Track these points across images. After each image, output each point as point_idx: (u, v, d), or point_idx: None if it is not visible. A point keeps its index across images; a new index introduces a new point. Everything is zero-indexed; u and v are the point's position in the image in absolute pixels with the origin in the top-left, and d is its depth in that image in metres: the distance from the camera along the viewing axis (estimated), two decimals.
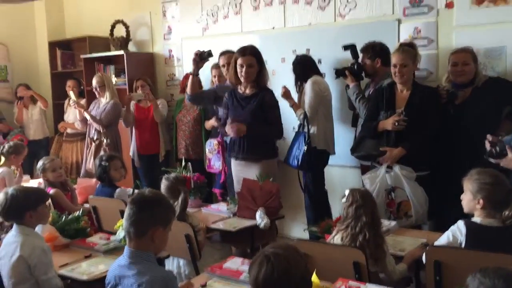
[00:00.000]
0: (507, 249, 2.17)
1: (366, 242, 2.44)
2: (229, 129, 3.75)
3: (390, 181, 3.36)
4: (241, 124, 3.71)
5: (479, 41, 3.62)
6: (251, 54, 3.73)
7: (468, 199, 2.45)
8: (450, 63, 3.47)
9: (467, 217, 2.49)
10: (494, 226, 2.36)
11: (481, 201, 2.38)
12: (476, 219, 2.42)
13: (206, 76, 4.91)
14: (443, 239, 2.48)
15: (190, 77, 4.15)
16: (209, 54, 4.09)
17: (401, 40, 3.96)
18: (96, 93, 5.16)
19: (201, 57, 4.06)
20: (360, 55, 3.95)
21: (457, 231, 2.43)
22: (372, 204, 2.55)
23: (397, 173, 3.35)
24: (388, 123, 3.41)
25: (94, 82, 5.11)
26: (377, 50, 3.86)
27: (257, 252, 1.58)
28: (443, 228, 2.61)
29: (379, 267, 2.48)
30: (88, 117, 5.03)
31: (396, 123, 3.35)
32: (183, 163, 3.93)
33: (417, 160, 3.38)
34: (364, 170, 4.00)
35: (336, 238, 2.57)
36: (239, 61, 3.74)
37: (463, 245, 2.39)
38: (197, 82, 4.21)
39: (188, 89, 4.21)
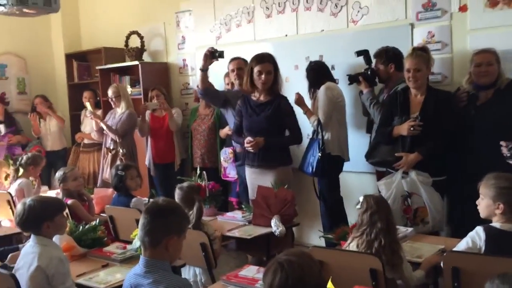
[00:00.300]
0: None
1: (382, 249, 2.42)
2: (247, 146, 3.77)
3: (406, 187, 3.33)
4: (258, 138, 3.73)
5: (494, 44, 3.56)
6: (269, 61, 3.79)
7: (486, 204, 2.41)
8: (473, 64, 3.41)
9: (485, 222, 2.45)
10: None
11: (501, 206, 2.35)
12: (496, 224, 2.38)
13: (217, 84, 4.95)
14: (462, 245, 2.45)
15: (200, 72, 4.20)
16: (221, 55, 4.18)
17: (415, 45, 3.94)
18: (112, 103, 5.22)
19: (212, 55, 4.14)
20: (374, 60, 3.94)
21: (476, 237, 2.39)
22: (386, 210, 2.53)
23: (413, 178, 3.32)
24: (403, 128, 3.38)
25: (110, 92, 5.17)
26: (390, 55, 3.84)
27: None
28: (461, 234, 2.57)
29: (396, 274, 2.45)
30: (104, 127, 5.09)
31: (412, 128, 3.32)
32: (198, 172, 3.93)
33: (433, 165, 3.35)
34: (379, 176, 3.97)
35: (351, 245, 2.55)
36: (258, 68, 3.77)
37: (482, 251, 2.36)
38: (206, 78, 4.23)
39: (199, 84, 4.26)
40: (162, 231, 1.94)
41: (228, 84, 4.69)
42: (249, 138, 3.77)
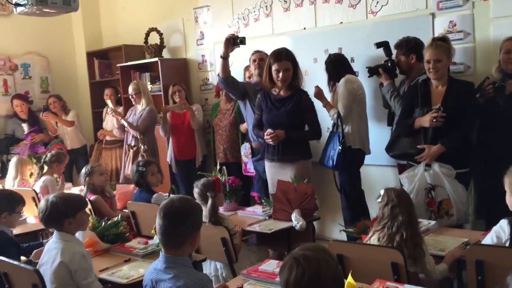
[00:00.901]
0: None
1: (403, 242, 2.39)
2: (267, 138, 3.75)
3: (429, 180, 3.27)
4: (279, 131, 3.72)
5: None
6: (286, 58, 3.75)
7: (510, 197, 2.36)
8: (502, 51, 3.34)
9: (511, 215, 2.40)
10: None
11: None
12: None
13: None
14: (486, 241, 2.40)
15: (221, 60, 4.13)
16: (242, 41, 4.06)
17: (436, 35, 3.86)
18: (132, 100, 5.26)
19: (233, 42, 4.05)
20: (394, 51, 3.88)
21: (501, 231, 2.34)
22: (408, 203, 2.50)
23: (437, 171, 3.26)
24: (425, 120, 3.32)
25: (130, 89, 5.21)
26: (411, 45, 3.77)
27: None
28: (488, 227, 2.52)
29: (418, 267, 2.43)
30: (125, 124, 5.14)
31: (434, 120, 3.26)
32: (218, 167, 3.94)
33: (456, 157, 3.29)
34: (401, 169, 3.91)
35: (372, 239, 2.53)
36: (275, 67, 3.74)
37: (508, 245, 2.30)
38: (227, 66, 4.16)
39: (220, 72, 4.21)
40: (186, 233, 1.95)
41: (249, 77, 4.68)
42: (269, 130, 3.75)
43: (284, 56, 3.75)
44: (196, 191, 3.24)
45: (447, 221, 3.23)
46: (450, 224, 3.22)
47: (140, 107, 5.19)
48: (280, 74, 3.72)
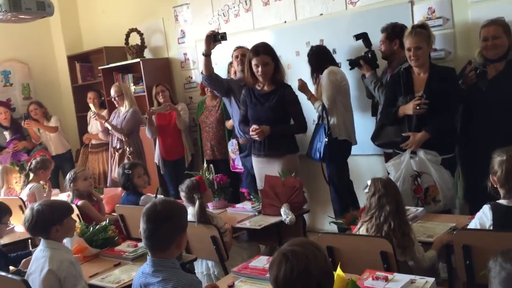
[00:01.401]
0: None
1: (391, 232, 2.40)
2: (253, 134, 3.74)
3: (415, 167, 3.29)
4: (264, 126, 3.70)
5: (497, 15, 3.48)
6: (264, 52, 3.73)
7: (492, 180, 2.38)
8: (480, 38, 3.35)
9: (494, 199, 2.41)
10: None
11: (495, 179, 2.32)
12: (503, 201, 2.33)
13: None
14: (470, 227, 2.41)
15: (203, 57, 4.08)
16: (223, 37, 4.02)
17: (415, 22, 3.87)
18: (115, 102, 5.22)
19: (214, 38, 4.01)
20: (377, 38, 3.86)
21: (483, 217, 2.35)
22: (395, 192, 2.49)
23: (422, 157, 3.27)
24: (408, 108, 3.33)
25: (112, 92, 5.17)
26: (397, 31, 3.73)
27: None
28: (477, 210, 2.54)
29: (407, 256, 2.43)
30: (109, 127, 5.09)
31: (418, 107, 3.27)
32: (205, 165, 3.93)
33: (441, 143, 3.30)
34: (387, 157, 3.92)
35: (361, 230, 2.53)
36: (254, 61, 3.73)
37: None
38: (210, 63, 4.13)
39: (203, 70, 4.16)
40: (171, 236, 1.93)
41: (234, 73, 4.65)
42: (254, 126, 3.74)
43: (262, 50, 3.73)
44: (182, 195, 3.23)
45: (434, 207, 3.25)
46: (437, 210, 3.24)
47: (124, 109, 5.14)
48: (260, 69, 3.72)
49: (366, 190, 2.56)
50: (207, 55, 4.06)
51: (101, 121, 5.16)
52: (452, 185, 3.29)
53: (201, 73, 4.27)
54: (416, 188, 3.30)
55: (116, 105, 5.25)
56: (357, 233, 2.56)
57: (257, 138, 3.76)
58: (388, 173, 3.36)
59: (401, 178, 3.27)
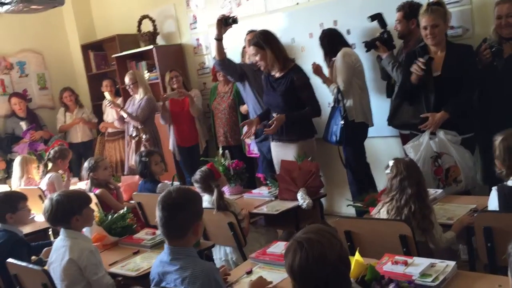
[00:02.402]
0: None
1: (412, 215, 2.38)
2: (272, 129, 3.71)
3: (435, 148, 3.23)
4: (279, 116, 3.68)
5: None
6: (253, 44, 3.74)
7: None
8: (495, 15, 3.26)
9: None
10: None
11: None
12: (509, 182, 2.29)
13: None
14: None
15: (215, 42, 4.08)
16: (234, 20, 4.01)
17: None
18: (130, 90, 5.23)
19: (226, 23, 4.00)
20: (396, 13, 3.77)
21: (492, 200, 2.34)
22: (417, 174, 2.46)
23: (442, 138, 3.22)
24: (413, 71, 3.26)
25: (127, 80, 5.16)
26: (414, 9, 3.61)
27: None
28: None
29: (427, 237, 2.41)
30: (124, 115, 5.11)
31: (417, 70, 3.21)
32: (220, 151, 3.92)
33: (460, 123, 3.25)
34: (404, 138, 3.88)
35: (382, 211, 2.51)
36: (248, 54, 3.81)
37: None
38: (222, 48, 4.12)
39: (216, 55, 4.16)
40: (187, 223, 1.94)
41: (249, 58, 4.60)
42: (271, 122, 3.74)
43: (252, 43, 3.75)
44: (197, 186, 3.19)
45: (456, 188, 3.21)
46: (459, 190, 3.20)
47: (138, 97, 5.14)
48: (255, 59, 3.77)
49: (388, 171, 2.52)
50: (219, 39, 4.04)
51: (117, 109, 5.18)
52: (473, 165, 3.24)
53: (214, 58, 4.24)
54: (436, 169, 3.25)
55: (131, 93, 5.25)
56: (377, 214, 2.53)
57: (273, 132, 3.73)
58: (407, 155, 3.31)
59: (421, 160, 3.22)
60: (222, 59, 4.14)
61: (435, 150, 3.23)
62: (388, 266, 2.02)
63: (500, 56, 3.21)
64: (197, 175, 3.22)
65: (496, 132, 2.51)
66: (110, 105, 5.23)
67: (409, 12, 3.68)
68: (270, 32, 3.79)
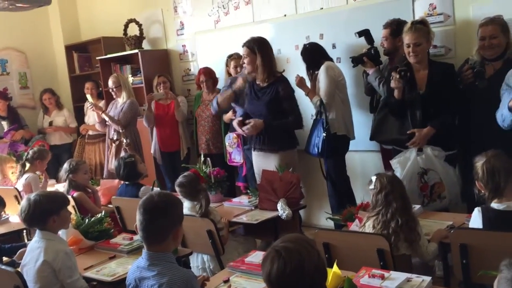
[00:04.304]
0: None
1: (399, 228, 2.41)
2: (248, 129, 3.72)
3: (422, 164, 3.25)
4: (257, 120, 3.68)
5: (498, 12, 3.46)
6: (246, 46, 3.78)
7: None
8: (478, 36, 3.32)
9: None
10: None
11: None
12: (494, 204, 2.33)
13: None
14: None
15: (229, 90, 4.14)
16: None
17: (416, 18, 3.84)
18: (113, 93, 5.18)
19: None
20: (379, 34, 3.83)
21: (474, 221, 2.37)
22: (400, 188, 2.51)
23: (429, 154, 3.25)
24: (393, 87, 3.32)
25: (110, 83, 5.13)
26: (401, 27, 3.65)
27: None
28: (468, 210, 2.54)
29: (413, 251, 2.44)
30: (106, 118, 5.07)
31: (396, 77, 3.26)
32: (202, 159, 3.92)
33: (444, 140, 3.29)
34: (385, 153, 3.93)
35: (367, 224, 2.53)
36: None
37: None
38: (232, 99, 4.23)
39: (219, 101, 4.23)
40: (167, 228, 1.92)
41: (235, 67, 4.61)
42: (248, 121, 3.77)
43: (245, 44, 3.80)
44: (183, 191, 3.16)
45: (440, 204, 3.24)
46: (443, 206, 3.23)
47: (121, 100, 5.11)
48: (242, 61, 3.86)
49: (371, 187, 2.55)
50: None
51: (98, 112, 5.13)
52: (457, 181, 3.28)
53: (217, 103, 4.33)
54: (422, 185, 3.28)
55: (114, 96, 5.21)
56: (363, 228, 2.55)
57: (252, 133, 3.74)
58: (393, 170, 3.32)
59: (408, 176, 3.24)
60: (222, 109, 4.34)
61: (422, 166, 3.26)
62: (365, 279, 2.04)
63: (481, 77, 3.26)
64: (183, 178, 3.20)
65: (475, 151, 2.55)
66: (92, 107, 5.18)
67: (396, 29, 3.73)
68: (266, 42, 3.84)
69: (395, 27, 3.74)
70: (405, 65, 3.42)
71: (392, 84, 3.31)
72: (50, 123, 5.97)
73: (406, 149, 3.34)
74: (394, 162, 3.37)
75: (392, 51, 3.81)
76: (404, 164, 3.29)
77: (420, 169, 3.26)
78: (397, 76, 3.27)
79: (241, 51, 3.87)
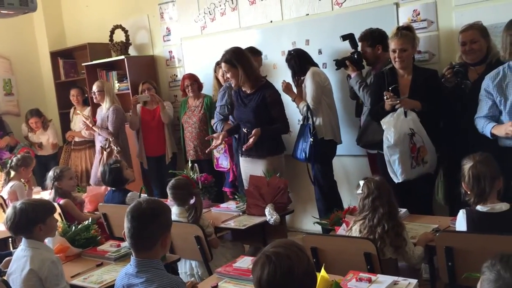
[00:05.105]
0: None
1: (385, 234, 2.42)
2: (248, 144, 3.73)
3: (411, 125, 3.25)
4: (256, 130, 3.70)
5: (480, 19, 3.51)
6: (224, 61, 3.77)
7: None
8: (459, 42, 3.37)
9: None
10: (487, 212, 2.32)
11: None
12: (478, 207, 2.36)
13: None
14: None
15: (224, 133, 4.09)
16: None
17: (400, 24, 3.89)
18: (94, 98, 5.17)
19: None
20: (359, 43, 3.90)
21: (458, 223, 2.41)
22: (387, 193, 2.50)
23: (414, 117, 3.25)
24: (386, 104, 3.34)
25: (94, 87, 5.14)
26: (376, 36, 3.80)
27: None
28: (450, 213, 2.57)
29: (399, 255, 2.46)
30: (97, 131, 5.10)
31: (386, 97, 3.28)
32: (190, 165, 3.92)
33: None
34: (371, 158, 3.97)
35: (354, 228, 2.54)
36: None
37: None
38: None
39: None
40: (155, 235, 1.91)
41: (223, 75, 4.59)
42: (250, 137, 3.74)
43: (223, 60, 3.78)
44: (176, 193, 3.16)
45: (422, 169, 3.28)
46: (425, 172, 3.27)
47: (104, 106, 5.12)
48: (226, 77, 3.86)
49: (359, 191, 2.56)
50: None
51: (91, 128, 5.15)
52: (434, 149, 3.31)
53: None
54: (412, 146, 3.27)
55: (95, 100, 5.21)
56: (349, 232, 2.56)
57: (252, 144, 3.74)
58: (384, 131, 3.30)
59: (401, 136, 3.23)
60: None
61: (410, 127, 3.25)
62: (353, 283, 2.06)
63: (462, 77, 3.30)
64: (177, 181, 3.21)
65: (461, 153, 2.58)
66: (85, 127, 5.15)
67: (371, 40, 3.81)
68: (242, 51, 3.81)
69: (369, 38, 3.82)
70: (390, 69, 3.47)
71: (387, 104, 3.32)
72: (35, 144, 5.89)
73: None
74: (383, 123, 3.32)
75: (373, 60, 3.87)
76: (394, 125, 3.25)
77: (409, 130, 3.25)
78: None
79: (221, 70, 3.92)
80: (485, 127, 3.01)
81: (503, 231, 2.18)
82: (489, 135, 2.99)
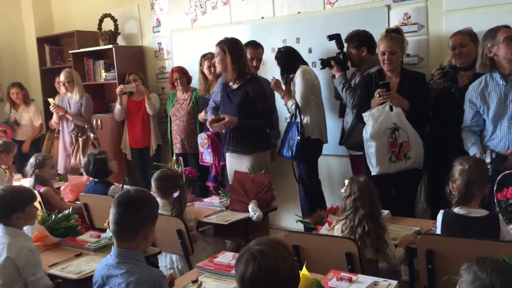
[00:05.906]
0: None
1: (366, 235, 2.42)
2: (220, 126, 3.70)
3: (394, 119, 3.26)
4: (232, 117, 3.66)
5: (470, 25, 3.55)
6: (217, 44, 3.74)
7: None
8: (450, 46, 3.40)
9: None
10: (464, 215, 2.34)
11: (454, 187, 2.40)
12: (455, 209, 2.37)
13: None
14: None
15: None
16: None
17: (391, 26, 3.91)
18: (63, 88, 5.10)
19: None
20: (345, 44, 3.90)
21: (437, 223, 2.42)
22: (370, 194, 2.49)
23: (400, 112, 3.26)
24: (374, 101, 3.36)
25: (62, 77, 5.03)
26: (362, 38, 3.81)
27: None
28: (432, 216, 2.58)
29: (380, 256, 2.47)
30: (70, 118, 5.01)
31: (378, 95, 3.29)
32: (174, 158, 3.89)
33: None
34: (353, 160, 3.98)
35: (336, 228, 2.54)
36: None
37: None
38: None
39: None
40: (140, 224, 1.90)
41: (209, 67, 4.57)
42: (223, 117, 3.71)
43: (218, 43, 3.75)
44: (160, 184, 3.14)
45: (404, 164, 3.28)
46: (407, 167, 3.28)
47: (75, 97, 5.03)
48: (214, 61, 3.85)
49: (343, 190, 2.56)
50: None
51: (62, 112, 5.03)
52: (421, 146, 3.32)
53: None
54: (393, 141, 3.28)
55: (64, 90, 5.14)
56: (332, 231, 2.56)
57: (223, 129, 3.73)
58: (366, 122, 3.31)
59: (381, 129, 3.24)
60: None
61: (394, 122, 3.27)
62: (333, 282, 2.06)
63: (451, 79, 3.32)
64: (162, 173, 3.19)
65: (444, 158, 2.59)
66: (54, 109, 5.06)
67: (357, 41, 3.82)
68: (238, 42, 3.78)
69: (355, 40, 3.83)
70: (378, 71, 3.48)
71: (374, 102, 3.33)
72: (15, 121, 5.81)
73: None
74: (366, 115, 3.33)
75: (358, 62, 3.88)
76: (376, 118, 3.27)
77: (392, 125, 3.26)
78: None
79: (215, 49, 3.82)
80: (468, 150, 3.07)
81: (475, 235, 2.20)
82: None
